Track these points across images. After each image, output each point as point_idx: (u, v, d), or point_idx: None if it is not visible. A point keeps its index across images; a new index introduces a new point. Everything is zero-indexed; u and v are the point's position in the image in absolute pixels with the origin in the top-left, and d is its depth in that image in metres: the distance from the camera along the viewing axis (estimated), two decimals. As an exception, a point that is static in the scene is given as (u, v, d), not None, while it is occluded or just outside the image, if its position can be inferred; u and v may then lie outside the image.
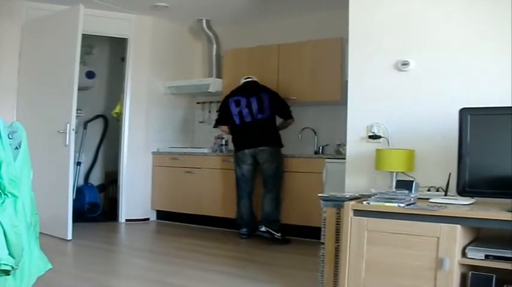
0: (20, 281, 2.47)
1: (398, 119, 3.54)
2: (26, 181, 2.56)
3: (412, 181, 3.13)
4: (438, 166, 3.31)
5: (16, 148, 2.53)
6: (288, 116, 5.40)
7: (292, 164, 5.36)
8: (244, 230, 5.33)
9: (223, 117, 5.43)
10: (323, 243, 3.14)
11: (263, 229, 5.10)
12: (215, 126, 5.67)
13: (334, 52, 5.46)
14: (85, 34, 5.12)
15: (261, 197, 5.25)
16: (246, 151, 5.20)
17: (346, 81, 3.85)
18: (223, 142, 6.22)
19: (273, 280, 3.55)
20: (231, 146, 6.26)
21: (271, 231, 5.06)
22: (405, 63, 3.53)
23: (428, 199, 2.97)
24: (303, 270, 3.90)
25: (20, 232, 2.42)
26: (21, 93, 5.48)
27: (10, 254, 2.26)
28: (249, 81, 5.44)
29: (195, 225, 6.03)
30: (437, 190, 3.28)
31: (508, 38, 3.19)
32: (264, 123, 5.23)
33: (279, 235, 5.05)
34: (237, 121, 5.28)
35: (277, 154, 5.25)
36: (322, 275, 3.13)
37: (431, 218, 2.65)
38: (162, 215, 6.43)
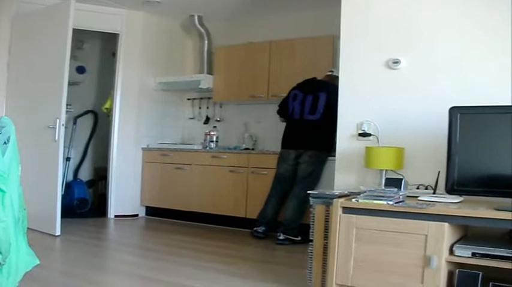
0: (7, 276, 2.46)
1: (389, 117, 3.55)
2: (14, 176, 2.54)
3: (401, 179, 3.15)
4: (427, 164, 3.33)
5: (5, 142, 2.51)
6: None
7: (282, 161, 5.36)
8: (263, 228, 5.06)
9: (283, 108, 5.25)
10: (312, 240, 3.15)
11: (282, 237, 4.86)
12: (278, 114, 5.38)
13: (326, 50, 5.47)
14: (76, 29, 5.09)
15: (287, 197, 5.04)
16: (291, 151, 5.02)
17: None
18: (214, 139, 6.20)
19: (261, 277, 3.55)
20: (221, 142, 6.28)
21: (291, 237, 4.85)
22: (396, 62, 3.55)
23: (417, 196, 3.00)
24: (292, 267, 3.91)
25: (7, 227, 2.41)
26: (10, 88, 5.43)
27: (-3, 249, 2.25)
28: (314, 77, 5.15)
29: (184, 221, 6.02)
30: (426, 188, 3.30)
31: (500, 37, 3.21)
32: (313, 124, 4.93)
33: (298, 238, 4.83)
34: (289, 116, 5.12)
35: (319, 159, 4.95)
36: (311, 272, 3.14)
37: (420, 216, 2.66)
38: (151, 211, 6.41)
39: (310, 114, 4.96)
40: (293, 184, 5.02)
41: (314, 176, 4.95)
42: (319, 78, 5.17)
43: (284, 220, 4.94)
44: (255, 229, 5.14)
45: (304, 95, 5.04)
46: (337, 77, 5.00)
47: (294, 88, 5.20)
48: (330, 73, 5.16)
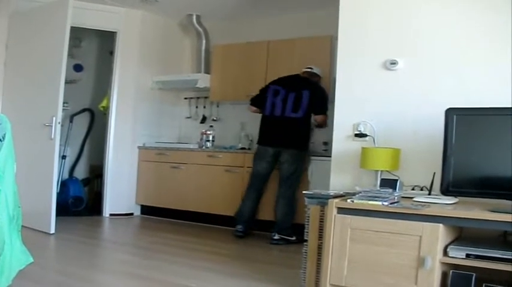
0: (1, 274, 2.46)
1: (385, 118, 3.56)
2: (9, 174, 2.54)
3: (397, 180, 3.15)
4: (423, 165, 3.33)
5: (0, 140, 2.51)
6: (320, 111, 5.00)
7: (278, 161, 5.36)
8: (240, 227, 5.09)
9: (258, 100, 5.20)
10: (306, 240, 3.15)
11: (276, 237, 4.88)
12: (250, 103, 5.36)
13: (324, 50, 5.47)
14: (73, 27, 5.07)
15: (274, 198, 5.05)
16: (269, 149, 4.98)
17: (334, 79, 3.86)
18: (210, 138, 6.20)
19: (255, 277, 3.55)
20: (217, 142, 6.27)
21: (285, 237, 4.88)
22: (394, 63, 3.55)
23: (412, 197, 2.99)
24: (286, 267, 3.91)
25: (1, 225, 2.41)
26: (6, 85, 5.42)
27: (-9, 246, 2.24)
28: (297, 74, 5.15)
29: (180, 220, 6.02)
30: (422, 189, 3.30)
31: (497, 39, 3.22)
32: (295, 122, 4.92)
33: (293, 238, 4.84)
34: (267, 111, 5.03)
35: (301, 157, 4.98)
36: (305, 272, 3.14)
37: (414, 217, 2.67)
38: (146, 210, 6.40)
39: (293, 111, 4.93)
40: (267, 183, 5.12)
41: (298, 175, 4.97)
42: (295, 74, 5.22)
43: (277, 221, 4.95)
44: (235, 228, 5.16)
45: (287, 91, 5.00)
46: (316, 75, 5.12)
47: (274, 83, 5.16)
48: (308, 69, 5.18)
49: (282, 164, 4.97)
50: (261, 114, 5.22)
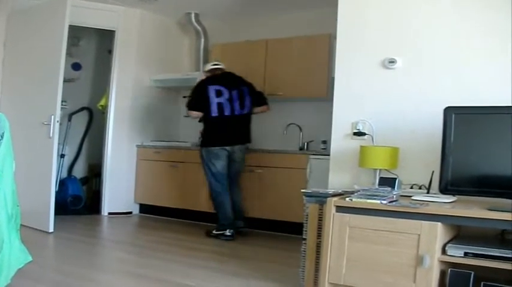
0: (-1, 272, 2.45)
1: (384, 117, 3.56)
2: (8, 173, 2.54)
3: (395, 178, 3.15)
4: (421, 164, 3.33)
5: (-2, 138, 2.51)
6: (266, 102, 5.27)
7: (276, 159, 5.36)
8: (232, 231, 4.97)
9: (198, 103, 5.04)
10: (305, 239, 3.15)
11: (242, 224, 5.15)
12: (188, 108, 5.17)
13: (322, 49, 5.47)
14: (72, 25, 5.07)
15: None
16: (226, 148, 5.01)
17: (333, 78, 3.86)
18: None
19: (254, 275, 3.55)
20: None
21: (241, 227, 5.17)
22: (392, 61, 3.55)
23: (410, 196, 3.00)
24: (285, 265, 3.91)
25: (0, 224, 2.40)
26: (5, 84, 5.42)
27: (-11, 245, 2.24)
28: (225, 71, 5.20)
29: (178, 219, 6.02)
30: (420, 188, 3.31)
31: (496, 37, 3.22)
32: (242, 119, 5.08)
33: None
34: (215, 113, 4.97)
35: (247, 150, 5.24)
36: (303, 271, 3.14)
37: (413, 215, 2.67)
38: (145, 208, 6.40)
39: (240, 109, 5.04)
40: (229, 180, 5.16)
41: (244, 165, 5.27)
42: (202, 71, 5.40)
43: (239, 210, 5.15)
44: (222, 233, 4.99)
45: (229, 90, 5.01)
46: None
47: (211, 83, 5.05)
48: (219, 66, 5.24)
49: (235, 162, 5.11)
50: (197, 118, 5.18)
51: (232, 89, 5.03)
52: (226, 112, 4.98)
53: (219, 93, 4.98)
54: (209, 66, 5.27)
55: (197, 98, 5.07)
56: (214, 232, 5.05)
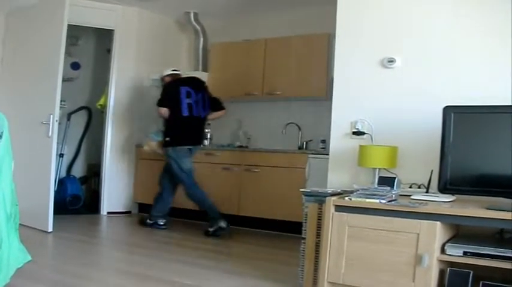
0: (-2, 272, 2.45)
1: (383, 116, 3.56)
2: (6, 172, 2.54)
3: (394, 178, 3.15)
4: (421, 163, 3.33)
5: (-3, 138, 2.50)
6: (222, 107, 5.49)
7: (275, 159, 5.36)
8: (225, 222, 5.03)
9: (170, 101, 5.17)
10: (304, 238, 3.15)
11: (223, 224, 5.07)
12: (159, 105, 5.24)
13: (321, 48, 5.47)
14: (71, 25, 5.07)
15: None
16: (190, 147, 5.26)
17: (332, 77, 3.86)
18: (208, 136, 6.19)
19: (252, 274, 3.55)
20: (215, 140, 6.28)
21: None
22: (391, 61, 3.55)
23: (409, 195, 3.00)
24: (284, 265, 3.91)
25: (-1, 223, 2.40)
26: (3, 83, 5.41)
27: (-12, 244, 2.24)
28: (190, 75, 5.54)
29: (177, 219, 6.01)
30: (419, 187, 3.31)
31: (494, 36, 3.22)
32: (203, 121, 5.35)
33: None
34: (185, 113, 5.14)
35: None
36: (303, 270, 3.14)
37: (412, 214, 2.67)
38: (144, 208, 6.38)
39: (203, 111, 5.29)
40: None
41: None
42: (164, 74, 5.49)
43: (209, 210, 5.13)
44: (216, 227, 5.04)
45: (196, 92, 5.24)
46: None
47: (181, 84, 5.27)
48: (178, 72, 5.47)
49: (191, 162, 5.31)
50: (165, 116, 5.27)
51: (198, 92, 5.25)
52: (194, 113, 5.20)
53: (188, 95, 5.19)
54: (169, 71, 5.47)
55: (169, 97, 5.22)
56: (210, 229, 5.04)
